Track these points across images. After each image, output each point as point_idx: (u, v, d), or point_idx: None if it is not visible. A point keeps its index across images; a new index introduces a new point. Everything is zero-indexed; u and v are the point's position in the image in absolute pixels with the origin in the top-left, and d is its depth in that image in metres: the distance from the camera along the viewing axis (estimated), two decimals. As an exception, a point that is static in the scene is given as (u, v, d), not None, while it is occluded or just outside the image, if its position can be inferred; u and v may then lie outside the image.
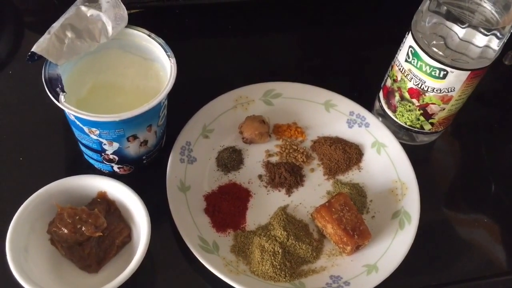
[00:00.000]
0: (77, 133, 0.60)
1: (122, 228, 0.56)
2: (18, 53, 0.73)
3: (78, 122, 0.57)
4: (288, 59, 0.78)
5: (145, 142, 0.59)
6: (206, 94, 0.67)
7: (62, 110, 0.55)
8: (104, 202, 0.56)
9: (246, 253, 0.59)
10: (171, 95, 0.56)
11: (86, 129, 0.57)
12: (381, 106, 0.69)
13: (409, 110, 0.64)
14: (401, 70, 0.63)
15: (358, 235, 0.57)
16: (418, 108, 0.63)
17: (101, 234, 0.54)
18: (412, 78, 0.61)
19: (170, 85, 0.55)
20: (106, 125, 0.55)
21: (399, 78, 0.63)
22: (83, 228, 0.54)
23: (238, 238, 0.60)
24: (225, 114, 0.67)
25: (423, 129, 0.66)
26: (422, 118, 0.64)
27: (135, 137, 0.57)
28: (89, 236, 0.54)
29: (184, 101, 0.65)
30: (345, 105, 0.69)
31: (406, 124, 0.66)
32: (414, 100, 0.63)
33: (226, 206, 0.61)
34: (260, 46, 0.79)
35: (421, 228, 0.59)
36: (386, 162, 0.65)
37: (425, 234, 0.60)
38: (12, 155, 0.64)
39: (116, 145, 0.57)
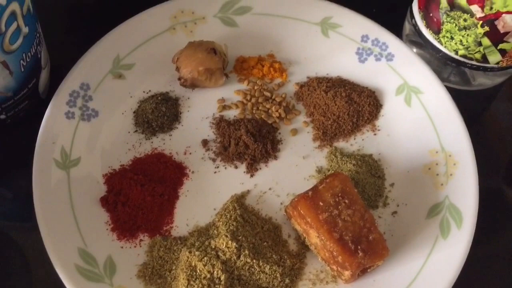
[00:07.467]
0: None
1: None
2: None
3: None
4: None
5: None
6: (124, 10, 0.50)
7: None
8: None
9: (165, 280, 0.40)
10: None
11: None
12: (415, 26, 0.52)
13: (464, 28, 0.48)
14: (451, -45, 0.46)
15: (365, 250, 0.40)
16: (480, 22, 0.47)
17: None
18: (472, -32, 0.44)
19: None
20: None
21: (447, -28, 0.47)
22: None
23: (155, 251, 0.42)
24: (155, 39, 0.50)
25: (486, 61, 0.50)
26: (486, 41, 0.48)
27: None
28: None
29: (87, 23, 0.51)
30: (355, 26, 0.53)
31: (457, 53, 0.50)
32: (475, 8, 0.46)
33: (141, 194, 0.43)
34: None
35: (478, 233, 0.44)
36: (420, 120, 0.50)
37: (482, 242, 0.44)
38: None
39: None
